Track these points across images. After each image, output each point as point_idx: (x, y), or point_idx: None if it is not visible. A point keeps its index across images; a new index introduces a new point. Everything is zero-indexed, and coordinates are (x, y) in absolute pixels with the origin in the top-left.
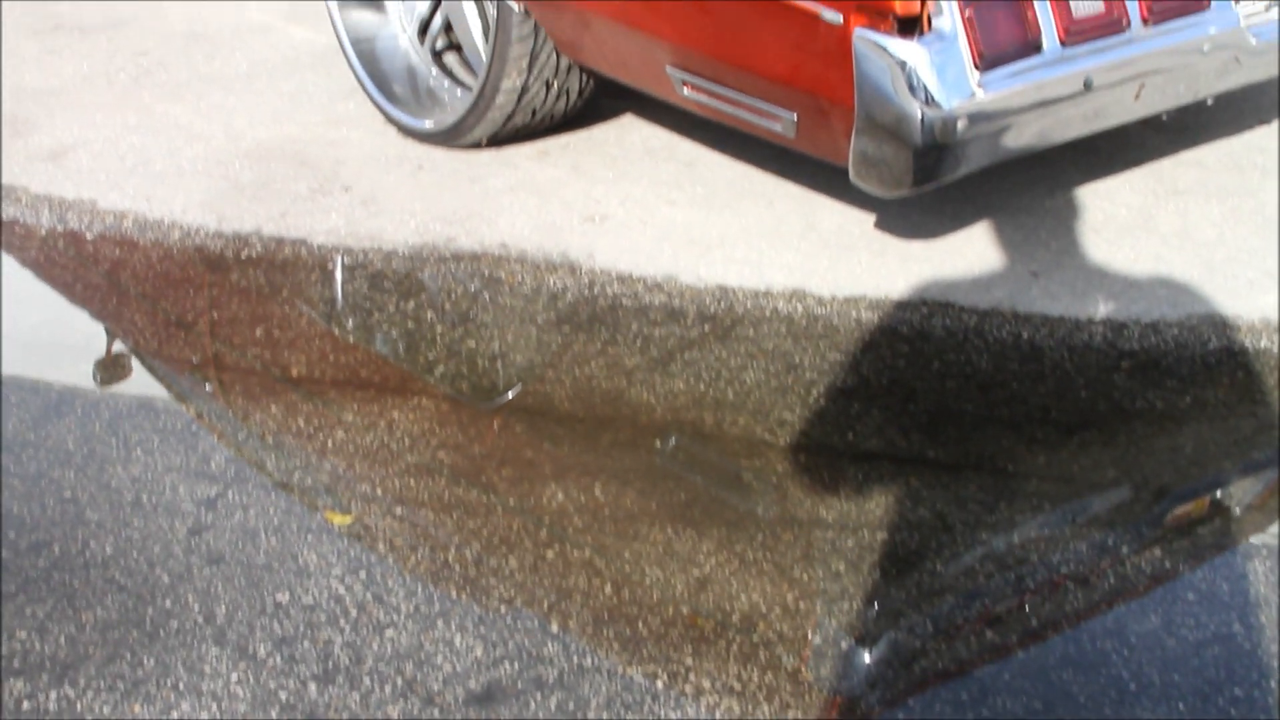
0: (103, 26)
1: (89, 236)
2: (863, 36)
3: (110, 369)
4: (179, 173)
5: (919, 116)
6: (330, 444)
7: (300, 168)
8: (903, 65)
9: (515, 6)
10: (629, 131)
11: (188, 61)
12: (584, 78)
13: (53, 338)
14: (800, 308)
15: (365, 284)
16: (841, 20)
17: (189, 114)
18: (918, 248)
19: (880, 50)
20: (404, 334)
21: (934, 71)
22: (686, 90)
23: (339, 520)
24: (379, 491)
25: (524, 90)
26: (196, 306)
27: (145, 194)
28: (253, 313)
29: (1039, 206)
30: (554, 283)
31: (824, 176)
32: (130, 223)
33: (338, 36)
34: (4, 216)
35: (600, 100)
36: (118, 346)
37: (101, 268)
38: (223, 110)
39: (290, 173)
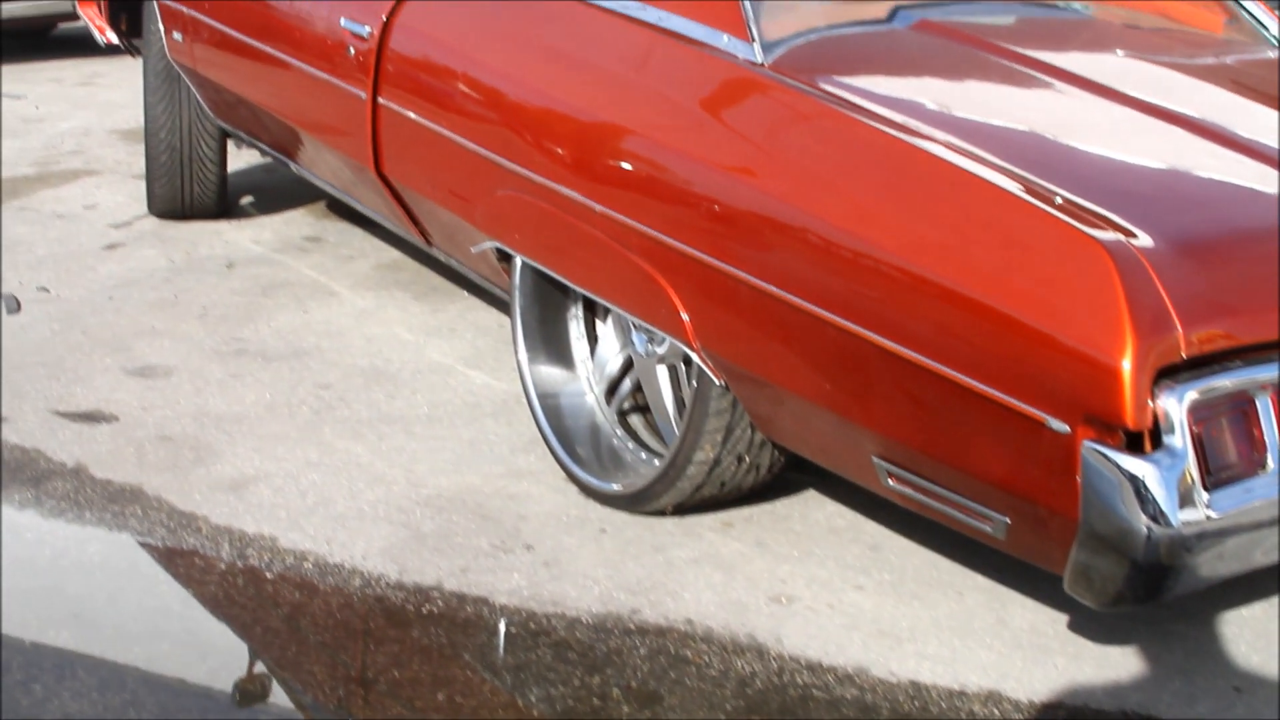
0: (285, 355)
1: (269, 575)
2: (1091, 449)
3: (249, 690)
4: (360, 516)
5: (1146, 534)
6: None
7: (482, 521)
8: (1132, 480)
9: (716, 381)
10: (813, 507)
11: (369, 399)
12: (775, 453)
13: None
14: (997, 712)
15: (549, 653)
16: (1069, 430)
17: (370, 454)
18: (1114, 654)
19: (1110, 464)
20: (590, 711)
21: (1163, 488)
22: (891, 482)
23: None
24: None
25: (716, 463)
26: (377, 662)
27: (326, 536)
28: (434, 675)
29: (1237, 615)
30: (742, 666)
31: (1012, 570)
32: (311, 565)
33: (525, 391)
34: (184, 546)
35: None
36: (259, 667)
37: (281, 610)
38: (404, 453)
39: (472, 526)
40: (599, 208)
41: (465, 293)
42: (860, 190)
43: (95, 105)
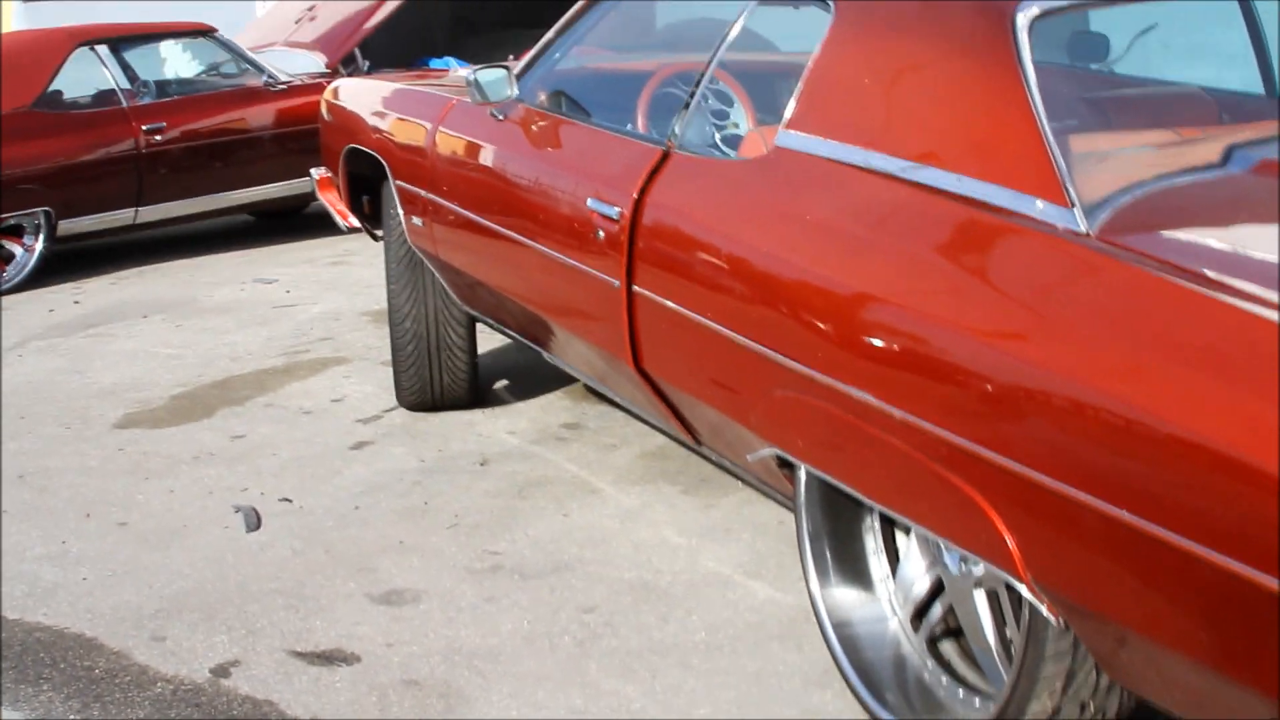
0: (544, 571)
1: None
2: None
3: None
4: None
5: None
6: None
7: None
8: None
9: (1053, 620)
10: None
11: (638, 623)
12: (1124, 697)
13: None
14: None
15: None
16: None
17: (642, 696)
18: None
19: None
20: None
21: None
22: None
23: None
24: None
25: (1055, 713)
26: None
27: None
28: None
29: None
30: None
31: None
32: None
33: (818, 620)
34: None
35: None
36: None
37: None
38: (680, 694)
39: None
40: (899, 413)
41: (739, 483)
42: (1245, 398)
43: (346, 286)
